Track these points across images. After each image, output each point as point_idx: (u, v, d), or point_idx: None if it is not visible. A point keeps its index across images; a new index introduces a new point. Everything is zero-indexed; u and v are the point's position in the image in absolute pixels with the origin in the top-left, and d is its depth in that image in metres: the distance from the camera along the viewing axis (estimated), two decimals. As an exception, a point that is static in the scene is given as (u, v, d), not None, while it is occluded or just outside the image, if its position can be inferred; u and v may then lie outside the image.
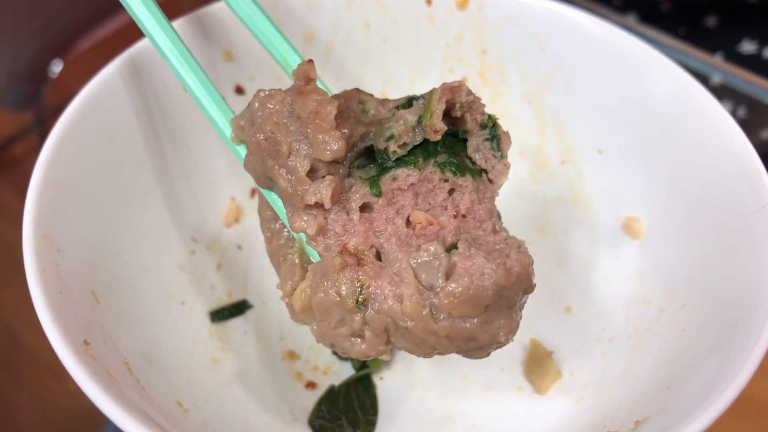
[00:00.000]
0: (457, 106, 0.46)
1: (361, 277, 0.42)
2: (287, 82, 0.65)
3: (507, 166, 0.48)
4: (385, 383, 0.60)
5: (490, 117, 0.47)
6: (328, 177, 0.43)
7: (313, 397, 0.59)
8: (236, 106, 0.64)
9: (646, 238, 0.61)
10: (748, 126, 0.78)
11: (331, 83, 0.67)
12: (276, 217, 0.48)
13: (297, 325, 0.63)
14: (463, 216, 0.46)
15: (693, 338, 0.51)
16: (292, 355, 0.61)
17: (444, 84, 0.45)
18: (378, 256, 0.44)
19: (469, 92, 0.46)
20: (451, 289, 0.40)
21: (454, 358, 0.61)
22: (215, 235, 0.65)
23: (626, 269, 0.62)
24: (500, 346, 0.43)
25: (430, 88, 0.46)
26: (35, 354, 0.43)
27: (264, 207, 0.49)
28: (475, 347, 0.43)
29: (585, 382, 0.58)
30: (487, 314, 0.41)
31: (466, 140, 0.48)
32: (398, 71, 0.68)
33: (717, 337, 0.48)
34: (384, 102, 0.49)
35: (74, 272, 0.47)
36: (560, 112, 0.65)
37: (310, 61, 0.45)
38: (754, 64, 0.87)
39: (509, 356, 0.61)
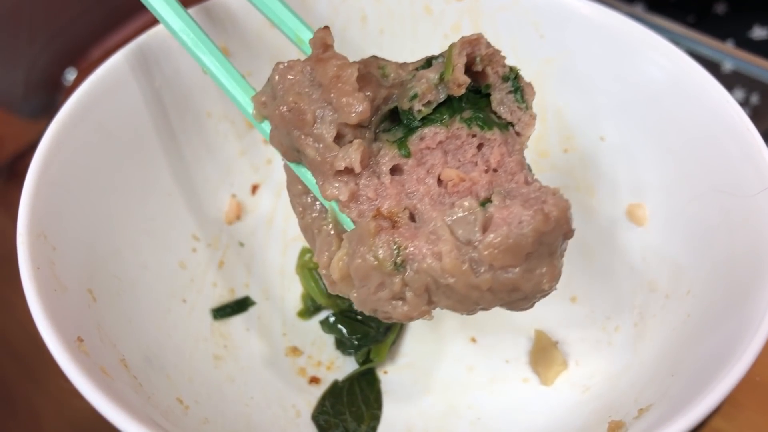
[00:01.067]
0: (478, 59, 0.45)
1: (397, 239, 0.42)
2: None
3: (533, 117, 0.47)
4: (389, 377, 0.60)
5: (511, 69, 0.47)
6: (356, 141, 0.43)
7: (316, 393, 0.59)
8: (235, 102, 0.64)
9: (650, 224, 0.60)
10: (762, 113, 0.77)
11: (329, 77, 0.67)
12: (307, 191, 0.48)
13: (300, 320, 0.63)
14: (494, 170, 0.45)
15: (698, 324, 0.50)
16: (295, 351, 0.61)
17: (463, 37, 0.45)
18: (412, 218, 0.44)
19: (488, 44, 0.46)
20: (490, 239, 0.40)
21: (458, 350, 0.61)
22: (216, 233, 0.65)
23: (631, 257, 0.61)
24: (544, 295, 0.43)
25: (450, 44, 0.45)
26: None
27: (294, 182, 0.48)
28: (519, 298, 0.42)
29: (591, 371, 0.58)
30: (528, 262, 0.40)
31: (489, 95, 0.47)
32: (396, 63, 0.67)
33: (721, 322, 0.47)
34: (403, 65, 0.48)
35: (70, 270, 0.47)
36: (561, 100, 0.64)
37: (326, 27, 0.45)
38: (766, 50, 0.85)
39: (514, 347, 0.61)
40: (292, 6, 0.62)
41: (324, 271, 0.45)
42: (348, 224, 0.45)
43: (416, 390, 0.59)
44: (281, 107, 0.44)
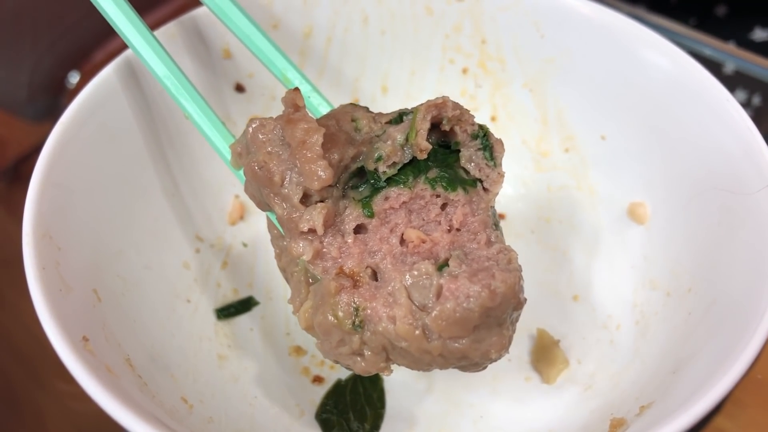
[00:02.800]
0: (445, 120, 0.47)
1: (356, 300, 0.43)
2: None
3: (501, 175, 0.48)
4: (392, 376, 0.60)
5: (480, 127, 0.48)
6: (320, 204, 0.44)
7: (320, 392, 0.59)
8: (237, 104, 0.65)
9: (652, 222, 0.60)
10: (764, 114, 0.77)
11: (331, 78, 0.67)
12: (282, 236, 0.49)
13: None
14: (457, 230, 0.46)
15: (698, 321, 0.50)
16: (298, 351, 0.61)
17: (428, 101, 0.46)
18: (374, 276, 0.45)
19: (456, 106, 0.47)
20: (437, 312, 0.41)
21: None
22: (220, 233, 0.65)
23: (632, 255, 0.61)
24: (493, 362, 0.44)
25: (417, 105, 0.47)
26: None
27: (272, 226, 0.50)
28: (469, 364, 0.44)
29: (593, 370, 0.58)
30: (476, 334, 0.42)
31: (459, 151, 0.48)
32: (398, 64, 0.68)
33: (722, 319, 0.47)
34: (377, 117, 0.49)
35: (75, 270, 0.48)
36: (562, 99, 0.64)
37: (296, 89, 0.46)
38: (767, 52, 0.85)
39: (516, 346, 0.61)
40: (293, 8, 0.63)
41: (297, 314, 0.47)
42: (316, 276, 0.46)
43: (419, 388, 0.59)
44: (253, 163, 0.45)
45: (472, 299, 0.41)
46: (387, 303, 0.43)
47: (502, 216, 0.68)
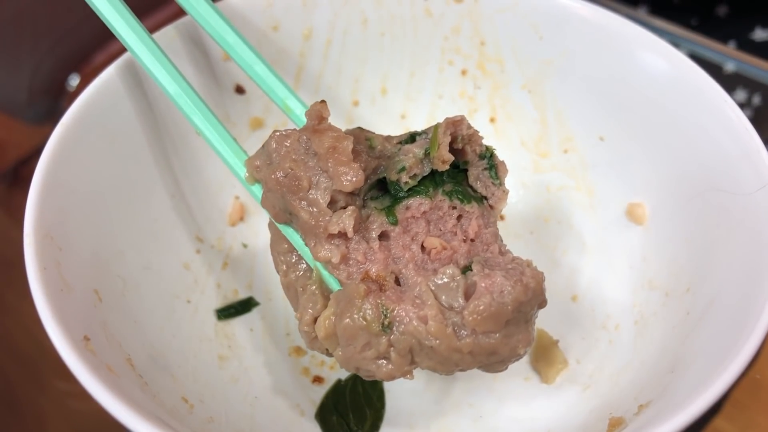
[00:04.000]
0: (459, 138, 0.49)
1: (384, 302, 0.44)
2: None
3: (505, 193, 0.51)
4: (391, 376, 0.60)
5: (487, 148, 0.51)
6: (350, 207, 0.46)
7: (320, 392, 0.59)
8: (237, 105, 0.65)
9: (650, 223, 0.60)
10: (764, 114, 0.78)
11: (331, 80, 0.67)
12: (292, 249, 0.50)
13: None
14: (472, 240, 0.49)
15: (697, 321, 0.50)
16: (298, 351, 0.61)
17: (447, 119, 0.49)
18: (397, 282, 0.46)
19: (469, 126, 0.50)
20: (473, 306, 0.43)
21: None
22: (220, 234, 0.65)
23: (631, 255, 0.61)
24: (518, 359, 0.46)
25: (434, 124, 0.49)
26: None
27: (279, 241, 0.51)
28: (496, 361, 0.45)
29: (591, 369, 0.58)
30: (507, 329, 0.43)
31: (466, 170, 0.51)
32: (397, 65, 0.68)
33: (720, 319, 0.48)
34: (388, 138, 0.51)
35: (76, 271, 0.48)
36: (560, 100, 0.65)
37: (323, 101, 0.48)
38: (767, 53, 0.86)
39: (516, 346, 0.61)
40: (293, 10, 0.64)
41: (306, 328, 0.48)
42: (333, 285, 0.47)
43: (418, 388, 0.59)
44: (277, 172, 0.46)
45: (506, 294, 0.43)
46: (415, 304, 0.44)
47: (501, 217, 0.68)
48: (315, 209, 0.46)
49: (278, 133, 0.48)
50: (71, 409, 0.65)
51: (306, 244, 0.47)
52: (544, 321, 0.61)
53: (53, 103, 0.88)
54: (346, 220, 0.45)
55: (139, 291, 0.55)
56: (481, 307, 0.42)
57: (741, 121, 0.52)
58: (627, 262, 0.61)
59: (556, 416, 0.56)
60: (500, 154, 0.65)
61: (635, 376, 0.53)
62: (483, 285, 0.43)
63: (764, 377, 0.61)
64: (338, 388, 0.59)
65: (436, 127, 0.49)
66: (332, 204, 0.46)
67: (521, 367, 0.60)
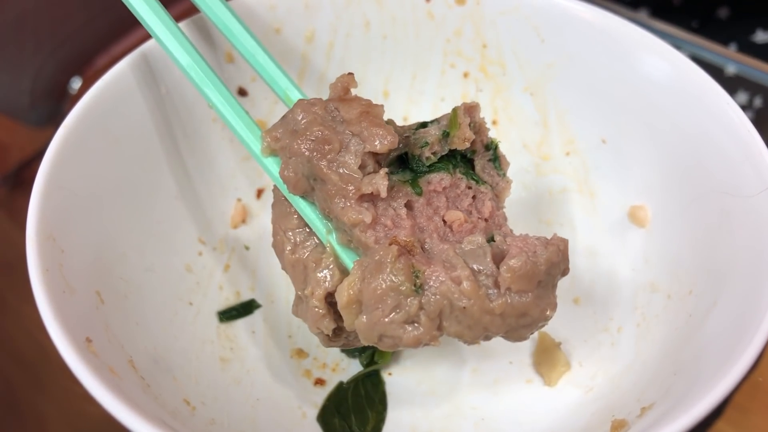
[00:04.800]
0: (471, 125, 0.50)
1: (415, 264, 0.44)
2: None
3: (509, 183, 0.53)
4: (393, 378, 0.60)
5: (492, 140, 0.53)
6: (383, 169, 0.46)
7: (322, 394, 0.59)
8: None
9: (652, 225, 0.60)
10: (765, 117, 0.78)
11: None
12: (301, 225, 0.50)
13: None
14: (485, 220, 0.50)
15: (699, 323, 0.50)
16: (300, 353, 0.61)
17: (464, 103, 0.51)
18: (422, 250, 0.47)
19: (480, 114, 0.51)
20: (511, 264, 0.43)
21: (462, 352, 0.62)
22: (222, 236, 0.66)
23: (633, 258, 0.61)
24: (545, 323, 0.46)
25: (446, 113, 0.51)
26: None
27: (287, 217, 0.51)
28: (524, 324, 0.45)
29: (594, 372, 0.58)
30: (538, 290, 0.44)
31: (472, 161, 0.53)
32: (400, 68, 0.68)
33: (722, 321, 0.48)
34: (400, 126, 0.52)
35: (78, 272, 0.48)
36: (562, 103, 0.65)
37: (351, 73, 0.50)
38: (768, 55, 0.86)
39: (518, 349, 0.61)
40: (295, 12, 0.64)
41: (316, 303, 0.48)
42: (347, 261, 0.48)
43: (420, 391, 0.59)
44: (305, 136, 0.47)
45: (539, 254, 0.44)
46: (446, 267, 0.44)
47: (503, 219, 0.68)
48: (345, 171, 0.46)
49: (305, 102, 0.48)
50: (72, 411, 0.65)
51: (330, 212, 0.47)
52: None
53: (55, 106, 0.88)
54: (379, 181, 0.45)
55: (141, 293, 0.55)
56: (518, 265, 0.43)
57: (743, 124, 0.52)
58: (629, 265, 0.61)
59: (558, 419, 0.56)
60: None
61: (638, 379, 0.53)
62: (517, 245, 0.44)
63: (766, 380, 0.61)
64: (340, 390, 0.59)
65: (456, 109, 0.50)
66: (362, 168, 0.46)
67: (523, 369, 0.60)
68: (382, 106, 0.48)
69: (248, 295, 0.64)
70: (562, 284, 0.63)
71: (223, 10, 0.56)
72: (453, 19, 0.65)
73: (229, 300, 0.63)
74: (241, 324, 0.62)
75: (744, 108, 0.53)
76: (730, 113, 0.53)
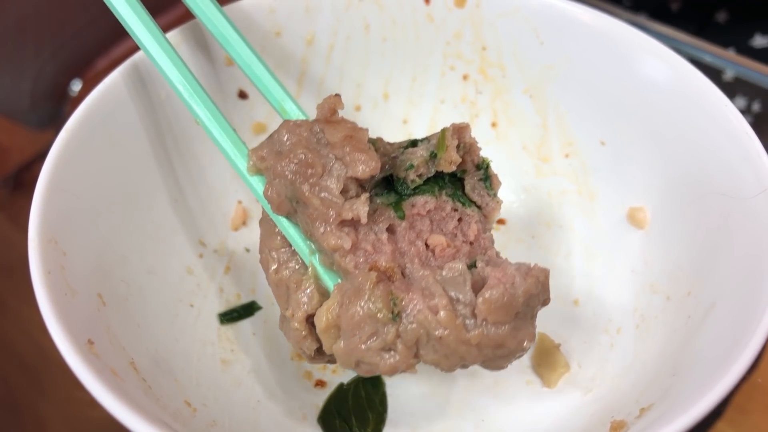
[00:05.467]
0: (461, 146, 0.50)
1: (394, 291, 0.44)
2: (289, 89, 0.66)
3: (499, 204, 0.53)
4: (393, 380, 0.60)
5: (483, 159, 0.52)
6: (363, 195, 0.46)
7: (322, 396, 0.59)
8: (240, 110, 0.65)
9: (651, 227, 0.60)
10: (763, 121, 0.78)
11: (333, 84, 0.68)
12: (285, 245, 0.50)
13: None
14: (471, 243, 0.50)
15: (698, 325, 0.50)
16: (300, 355, 0.61)
17: (453, 124, 0.50)
18: (403, 275, 0.46)
19: (471, 134, 0.51)
20: (489, 295, 0.43)
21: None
22: (223, 238, 0.66)
23: (632, 259, 0.61)
24: (522, 354, 0.46)
25: (436, 132, 0.51)
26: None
27: (271, 237, 0.51)
28: (502, 355, 0.45)
29: (593, 373, 0.58)
30: (516, 321, 0.44)
31: (461, 180, 0.52)
32: (399, 71, 0.68)
33: (721, 322, 0.48)
34: (389, 144, 0.52)
35: (80, 275, 0.48)
36: (562, 105, 0.65)
37: (337, 95, 0.49)
38: (767, 59, 0.86)
39: (517, 350, 0.61)
40: (296, 15, 0.64)
41: (296, 325, 0.48)
42: (328, 282, 0.48)
43: (420, 393, 0.59)
44: (289, 158, 0.46)
45: (517, 285, 0.43)
46: (425, 295, 0.44)
47: (502, 221, 0.68)
48: (327, 195, 0.46)
49: (290, 123, 0.48)
50: (73, 414, 0.65)
51: (311, 235, 0.47)
52: (545, 325, 0.62)
53: (55, 108, 0.88)
54: (360, 207, 0.45)
55: (143, 295, 0.55)
56: (495, 297, 0.42)
57: (741, 125, 0.52)
58: (628, 266, 0.61)
59: (558, 420, 0.56)
60: (502, 159, 0.65)
61: (637, 380, 0.54)
62: (496, 276, 0.44)
63: (765, 381, 0.61)
64: (340, 391, 0.59)
65: (444, 130, 0.50)
66: (344, 192, 0.46)
67: (523, 370, 0.60)
68: (366, 130, 0.47)
69: (249, 297, 0.64)
70: (563, 285, 0.64)
71: (220, 19, 0.56)
72: (453, 22, 0.65)
73: (229, 302, 0.63)
74: (241, 326, 0.62)
75: (743, 113, 0.53)
76: (728, 115, 0.53)
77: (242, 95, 0.65)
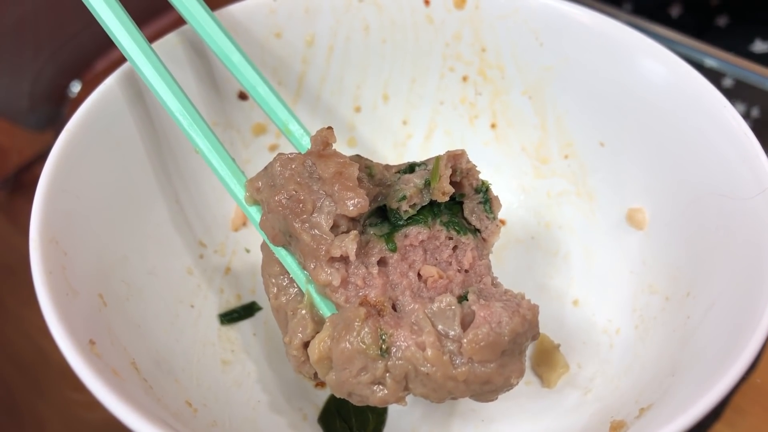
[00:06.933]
0: (458, 171, 0.51)
1: (383, 327, 0.44)
2: (289, 90, 0.66)
3: (498, 227, 0.53)
4: (393, 381, 0.60)
5: (483, 182, 0.52)
6: (353, 232, 0.46)
7: (322, 396, 0.59)
8: (240, 111, 0.65)
9: (650, 227, 0.61)
10: (763, 127, 0.78)
11: (333, 86, 0.68)
12: (284, 272, 0.50)
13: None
14: (466, 271, 0.50)
15: (697, 325, 0.51)
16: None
17: (448, 152, 0.50)
18: (393, 308, 0.47)
19: (468, 160, 0.51)
20: (473, 335, 0.43)
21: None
22: (223, 239, 0.66)
23: (631, 260, 0.62)
24: (510, 389, 0.46)
25: (434, 156, 0.51)
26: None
27: (271, 263, 0.51)
28: (489, 390, 0.45)
29: (592, 374, 0.58)
30: (502, 359, 0.44)
31: (461, 203, 0.53)
32: (399, 72, 0.69)
33: (720, 323, 0.48)
34: (387, 167, 0.52)
35: (81, 275, 0.48)
36: (561, 106, 0.65)
37: (330, 128, 0.49)
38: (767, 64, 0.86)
39: (517, 350, 0.61)
40: (295, 17, 0.64)
41: (294, 352, 0.48)
42: (324, 310, 0.48)
43: (421, 393, 0.60)
44: (280, 194, 0.47)
45: (504, 324, 0.44)
46: (413, 330, 0.44)
47: (502, 222, 0.68)
48: (317, 232, 0.46)
49: (284, 156, 0.48)
50: (72, 416, 0.65)
51: (305, 268, 0.48)
52: (545, 325, 0.61)
53: (54, 109, 0.88)
54: (348, 244, 0.45)
55: (143, 295, 0.55)
56: (480, 336, 0.43)
57: (740, 126, 0.52)
58: (627, 267, 0.62)
59: (557, 420, 0.56)
60: (501, 160, 0.65)
61: (636, 380, 0.54)
62: (482, 315, 0.44)
63: (765, 382, 0.61)
64: (341, 392, 0.60)
65: (438, 159, 0.50)
66: (334, 228, 0.46)
67: (523, 371, 0.60)
68: (356, 165, 0.47)
69: (249, 297, 0.64)
70: (562, 286, 0.64)
71: (229, 47, 0.57)
72: (452, 23, 0.66)
73: (230, 302, 0.63)
74: (242, 326, 0.62)
75: (742, 117, 0.54)
76: (727, 116, 0.53)
77: (242, 96, 0.65)
